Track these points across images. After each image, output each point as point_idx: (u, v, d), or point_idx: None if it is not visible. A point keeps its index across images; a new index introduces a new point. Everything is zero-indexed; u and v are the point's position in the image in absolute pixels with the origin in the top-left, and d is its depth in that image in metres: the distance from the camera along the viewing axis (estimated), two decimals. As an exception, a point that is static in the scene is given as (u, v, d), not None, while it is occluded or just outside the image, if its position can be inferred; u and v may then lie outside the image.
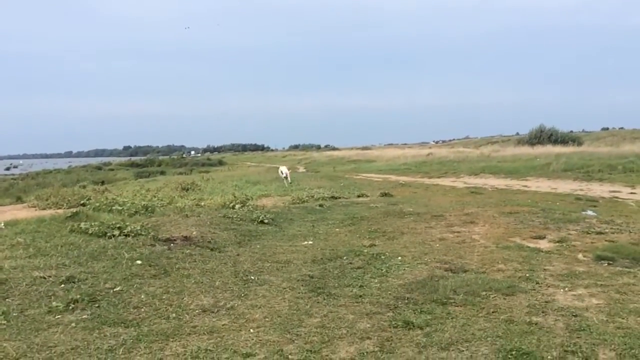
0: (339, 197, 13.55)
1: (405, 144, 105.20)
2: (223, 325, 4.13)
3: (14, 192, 27.12)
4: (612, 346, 3.61)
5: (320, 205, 11.53)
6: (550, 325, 4.02)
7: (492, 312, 4.33)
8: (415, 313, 4.34)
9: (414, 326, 4.03)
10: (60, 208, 11.60)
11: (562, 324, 4.06)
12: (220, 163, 70.23)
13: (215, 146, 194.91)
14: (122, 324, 4.08)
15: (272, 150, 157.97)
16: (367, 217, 9.93)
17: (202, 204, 11.44)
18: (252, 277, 5.54)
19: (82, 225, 7.24)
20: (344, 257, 6.44)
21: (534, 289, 4.96)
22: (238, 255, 6.63)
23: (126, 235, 6.87)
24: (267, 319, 4.26)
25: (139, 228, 7.21)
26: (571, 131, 51.28)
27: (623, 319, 4.14)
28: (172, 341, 3.78)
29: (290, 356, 3.53)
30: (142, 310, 4.41)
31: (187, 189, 18.00)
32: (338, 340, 3.81)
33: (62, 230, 7.17)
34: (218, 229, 8.00)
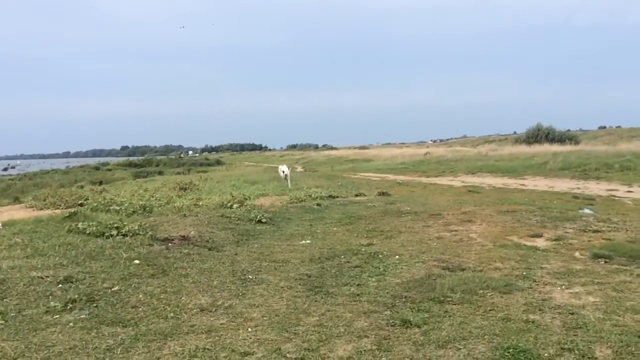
0: (337, 197, 13.56)
1: (403, 143, 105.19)
2: (221, 324, 4.13)
3: (11, 192, 27.03)
4: (609, 343, 3.62)
5: (318, 205, 11.53)
6: (547, 323, 4.03)
7: (490, 310, 4.34)
8: (412, 311, 4.35)
9: (411, 324, 4.04)
10: (58, 208, 11.60)
11: (559, 321, 4.07)
12: (218, 163, 70.14)
13: (213, 146, 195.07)
14: (120, 324, 4.08)
15: (270, 149, 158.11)
16: (365, 216, 9.94)
17: (200, 203, 11.44)
18: (250, 277, 5.54)
19: (80, 225, 7.24)
20: (342, 256, 6.45)
21: (531, 287, 4.97)
22: (236, 254, 6.64)
23: (124, 235, 6.87)
24: (265, 318, 4.26)
25: (136, 228, 7.21)
26: (568, 130, 51.42)
27: (620, 316, 4.15)
28: (170, 340, 3.78)
29: (288, 355, 3.54)
30: (140, 309, 4.42)
31: (185, 189, 17.99)
32: (336, 339, 3.82)
33: (59, 230, 7.17)
34: (216, 229, 8.00)
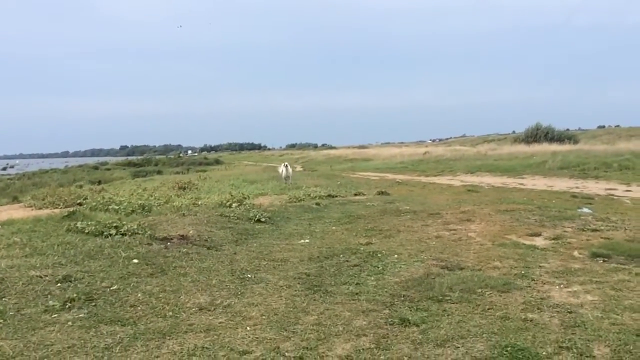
0: (336, 196, 13.56)
1: (402, 143, 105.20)
2: (220, 323, 4.13)
3: (10, 192, 27.05)
4: (607, 342, 3.63)
5: (317, 204, 11.53)
6: (545, 322, 4.04)
7: (488, 309, 4.35)
8: (411, 310, 4.36)
9: (410, 323, 4.04)
10: (56, 208, 11.58)
11: (557, 320, 4.08)
12: (217, 162, 70.15)
13: (212, 145, 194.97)
14: (119, 323, 4.08)
15: (269, 149, 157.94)
16: (364, 215, 9.94)
17: (199, 203, 11.42)
18: (249, 276, 5.54)
19: (79, 224, 7.23)
20: (341, 255, 6.45)
21: (530, 286, 4.98)
22: (235, 253, 6.64)
23: (123, 234, 6.86)
24: (263, 317, 4.26)
25: (135, 227, 7.20)
26: (567, 129, 51.46)
27: (618, 315, 4.16)
28: (169, 339, 3.78)
29: (286, 353, 3.54)
30: (139, 308, 4.42)
31: (184, 188, 17.97)
32: (334, 338, 3.82)
33: (58, 229, 7.16)
34: (215, 228, 8.00)
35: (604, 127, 78.54)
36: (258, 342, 3.74)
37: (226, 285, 5.16)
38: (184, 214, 9.07)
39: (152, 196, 13.43)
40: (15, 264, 5.37)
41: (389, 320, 4.14)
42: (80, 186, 23.93)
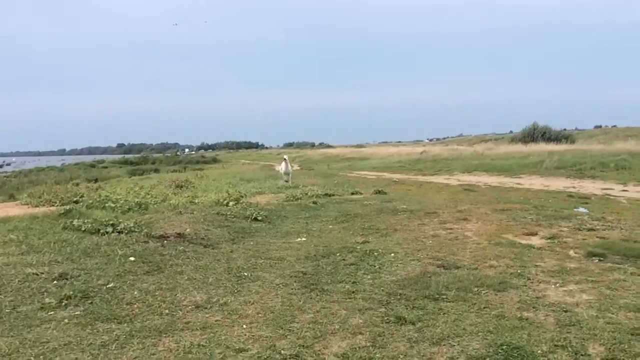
0: (333, 195, 13.56)
1: (400, 142, 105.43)
2: (216, 321, 4.14)
3: (6, 189, 26.95)
4: (602, 341, 3.64)
5: (314, 203, 11.53)
6: (540, 321, 4.06)
7: (484, 308, 4.36)
8: (407, 309, 4.37)
9: (406, 321, 4.05)
10: (53, 205, 11.54)
11: (553, 319, 4.09)
12: (215, 161, 70.16)
13: (210, 144, 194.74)
14: (115, 320, 4.08)
15: (267, 148, 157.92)
16: (361, 214, 9.95)
17: (196, 201, 11.44)
18: (246, 274, 5.55)
19: (75, 222, 7.22)
20: (337, 254, 6.46)
21: (525, 285, 5.00)
22: (231, 252, 6.64)
23: (119, 232, 6.85)
24: (260, 315, 4.27)
25: (132, 225, 7.19)
26: (564, 129, 51.66)
27: (613, 314, 4.18)
28: (165, 337, 3.78)
29: (282, 351, 3.55)
30: (135, 306, 4.41)
31: (181, 187, 17.96)
32: (330, 336, 3.83)
33: (55, 227, 7.15)
34: (211, 226, 8.00)
35: (600, 127, 78.68)
36: (254, 340, 3.74)
37: (222, 284, 5.16)
38: (180, 212, 9.06)
39: (149, 194, 13.41)
40: (11, 261, 5.36)
41: (385, 318, 4.15)
42: (77, 184, 23.83)
